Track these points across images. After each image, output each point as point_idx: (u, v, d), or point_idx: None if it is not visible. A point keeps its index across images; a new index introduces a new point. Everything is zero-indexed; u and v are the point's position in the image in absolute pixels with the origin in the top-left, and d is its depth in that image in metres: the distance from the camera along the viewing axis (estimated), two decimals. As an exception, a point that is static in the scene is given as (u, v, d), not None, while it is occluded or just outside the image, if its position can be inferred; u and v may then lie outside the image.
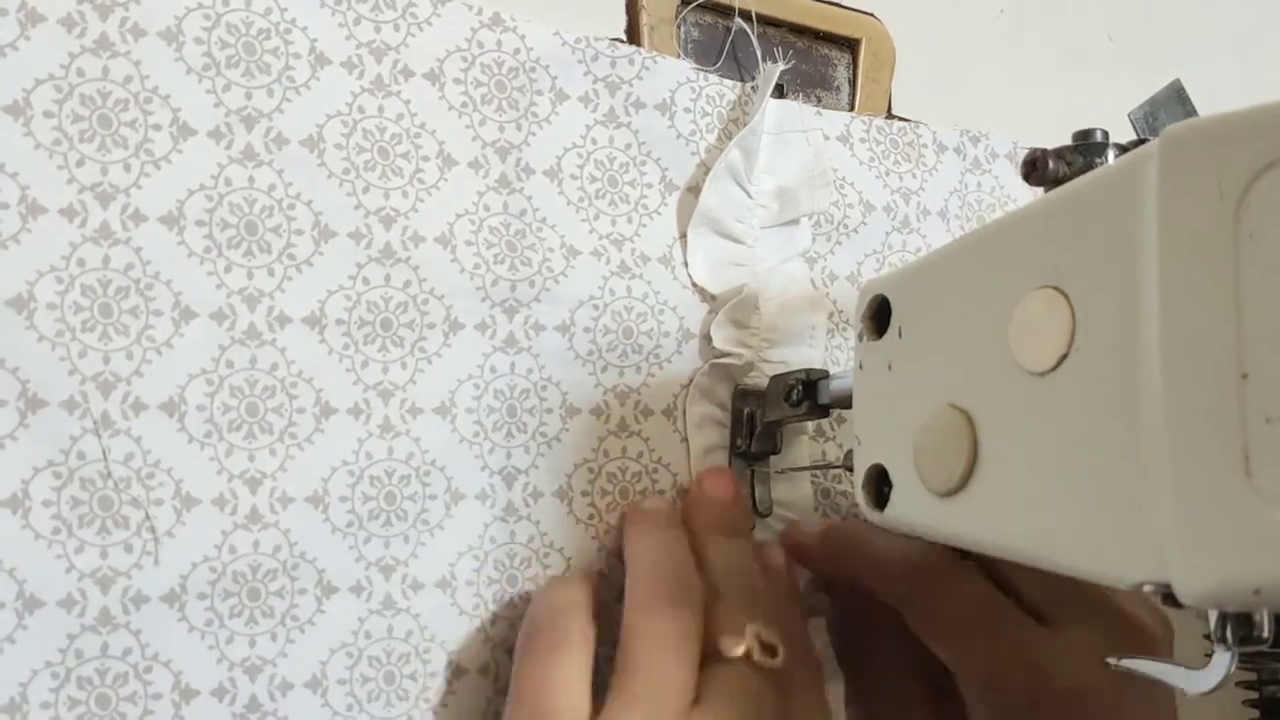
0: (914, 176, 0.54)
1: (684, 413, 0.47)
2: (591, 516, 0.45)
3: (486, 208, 0.44)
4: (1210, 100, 0.40)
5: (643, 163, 0.48)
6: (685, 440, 0.47)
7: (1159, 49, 0.60)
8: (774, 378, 0.46)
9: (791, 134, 0.49)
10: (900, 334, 0.38)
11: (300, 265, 0.41)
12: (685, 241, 0.48)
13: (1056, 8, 0.60)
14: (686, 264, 0.48)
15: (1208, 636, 0.29)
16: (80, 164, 0.39)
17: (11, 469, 0.37)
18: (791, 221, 0.49)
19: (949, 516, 0.34)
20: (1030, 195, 0.55)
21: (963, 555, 0.47)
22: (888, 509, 0.38)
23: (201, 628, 0.38)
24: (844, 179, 0.52)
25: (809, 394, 0.44)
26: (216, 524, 0.39)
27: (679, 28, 0.50)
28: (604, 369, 0.46)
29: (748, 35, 0.50)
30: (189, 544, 0.39)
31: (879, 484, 0.38)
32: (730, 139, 0.48)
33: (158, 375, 0.39)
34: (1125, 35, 0.60)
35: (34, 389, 0.37)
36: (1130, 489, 0.28)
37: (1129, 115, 0.40)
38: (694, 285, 0.48)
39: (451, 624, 0.42)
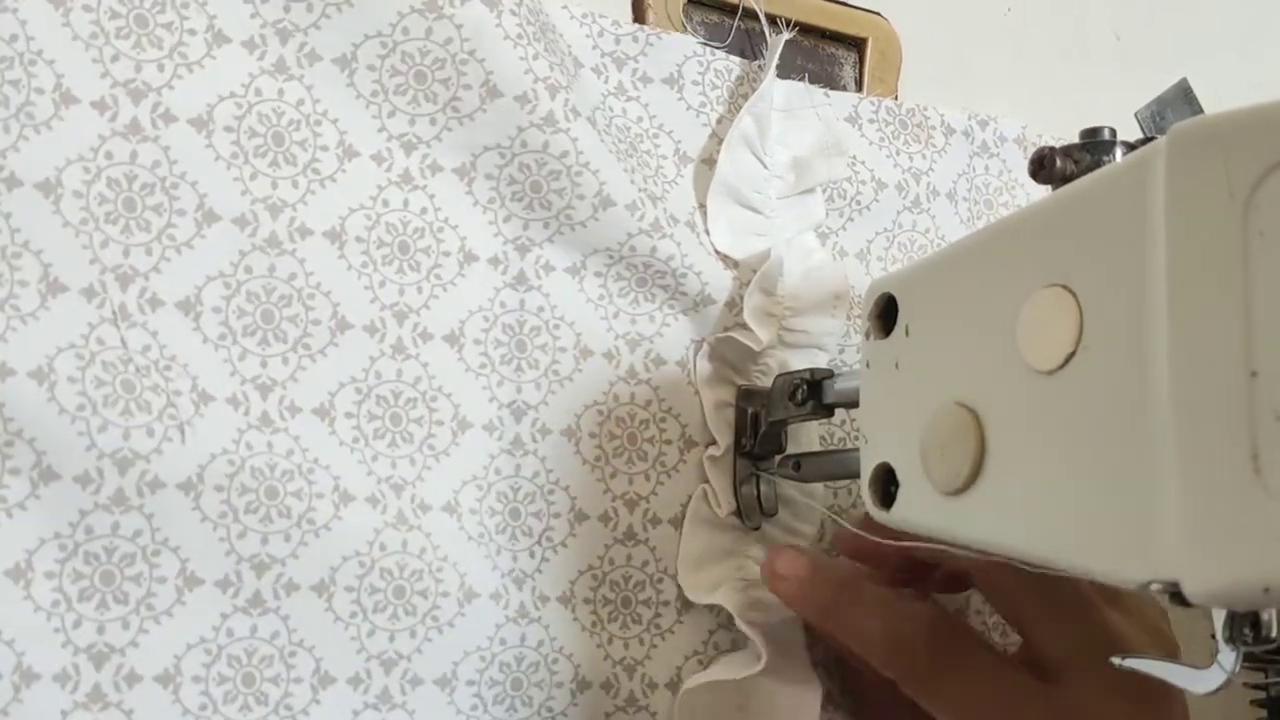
0: (924, 157, 0.54)
1: (694, 367, 0.48)
2: (599, 459, 0.46)
3: (524, 144, 0.44)
4: (1217, 99, 0.41)
5: (655, 135, 0.48)
6: (697, 393, 0.48)
7: (1166, 48, 0.61)
8: (778, 377, 0.46)
9: (801, 110, 0.50)
10: (907, 332, 0.38)
11: (324, 180, 0.42)
12: (704, 211, 0.49)
13: (1063, 7, 0.61)
14: (708, 232, 0.48)
15: (1214, 636, 0.29)
16: (115, 59, 0.39)
17: (35, 347, 0.37)
18: (807, 192, 0.50)
19: (956, 515, 0.34)
20: (1035, 184, 0.57)
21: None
22: (894, 508, 0.37)
23: (214, 519, 0.39)
24: (855, 157, 0.52)
25: (814, 393, 0.44)
26: (232, 422, 0.40)
27: (685, 26, 0.50)
28: (615, 315, 0.47)
29: (754, 26, 0.51)
30: (207, 437, 0.39)
31: (885, 483, 0.38)
32: (740, 110, 0.49)
33: (176, 274, 0.39)
34: (1132, 34, 0.61)
35: (55, 274, 0.38)
36: (1138, 487, 0.28)
37: (1136, 114, 0.41)
38: (717, 253, 0.48)
39: (460, 547, 0.43)
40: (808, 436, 0.49)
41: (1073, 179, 0.35)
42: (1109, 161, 0.36)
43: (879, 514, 0.38)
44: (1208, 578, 0.26)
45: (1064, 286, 0.31)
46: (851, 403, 0.42)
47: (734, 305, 0.48)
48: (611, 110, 0.47)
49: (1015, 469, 0.32)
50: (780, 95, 0.50)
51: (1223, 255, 0.26)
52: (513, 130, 0.43)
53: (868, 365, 0.39)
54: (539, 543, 0.44)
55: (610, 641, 0.45)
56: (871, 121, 0.53)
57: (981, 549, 0.34)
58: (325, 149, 0.42)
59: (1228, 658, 0.29)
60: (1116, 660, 0.33)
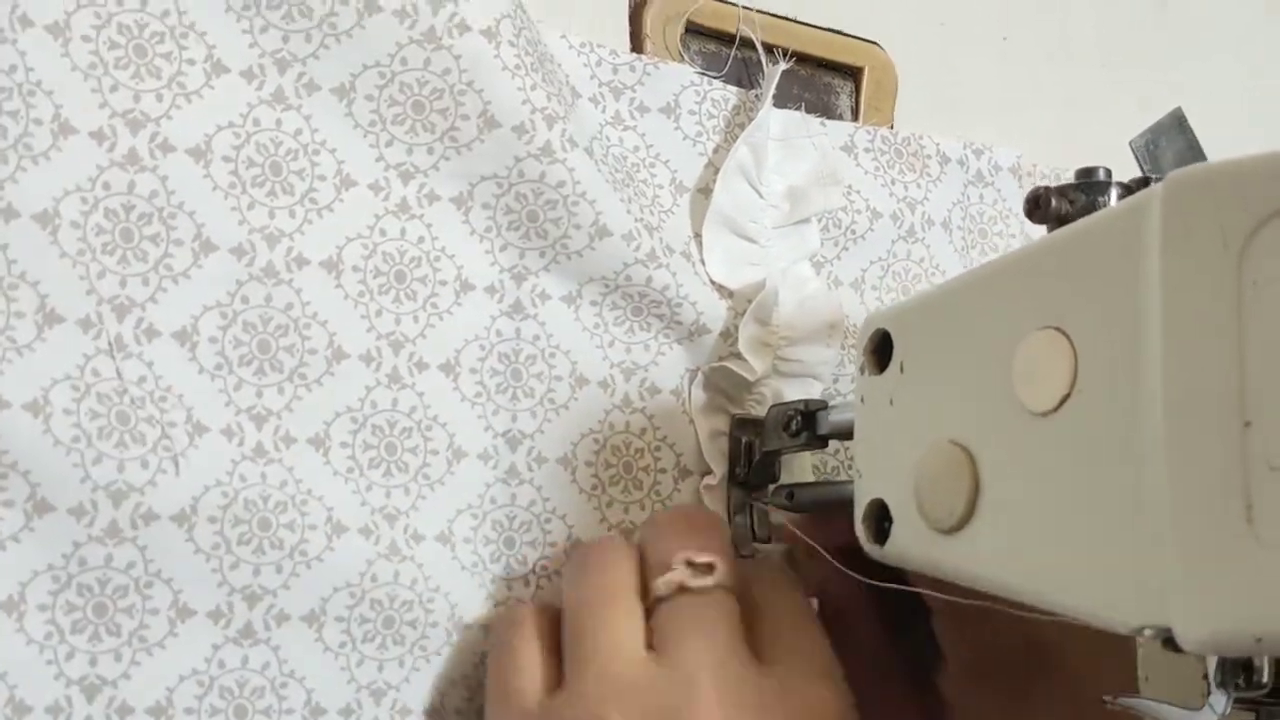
0: (919, 186, 0.54)
1: (689, 396, 0.48)
2: (595, 487, 0.46)
3: (521, 174, 0.44)
4: (1212, 129, 0.41)
5: (651, 164, 0.48)
6: (692, 422, 0.48)
7: (1159, 78, 0.62)
8: (773, 407, 0.46)
9: (797, 139, 0.50)
10: (902, 369, 0.38)
11: (321, 210, 0.42)
12: (699, 240, 0.49)
13: (1059, 37, 0.61)
14: (704, 262, 0.48)
15: (1206, 678, 0.30)
16: (114, 89, 0.39)
17: (31, 379, 0.37)
18: (803, 222, 0.50)
19: (949, 553, 0.34)
20: None
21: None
22: (888, 544, 0.37)
23: (207, 550, 0.39)
24: (850, 187, 0.53)
25: (808, 424, 0.44)
26: (226, 453, 0.40)
27: (682, 55, 0.50)
28: (610, 344, 0.47)
29: (751, 55, 0.51)
30: (200, 468, 0.39)
31: (879, 518, 0.38)
32: (737, 140, 0.49)
33: (173, 304, 0.40)
34: (1125, 63, 0.61)
35: (52, 305, 0.38)
36: (1131, 532, 0.28)
37: (1130, 144, 0.41)
38: (713, 283, 0.48)
39: (452, 577, 0.43)
40: (800, 466, 0.49)
41: (1068, 219, 0.35)
42: (1104, 202, 0.36)
43: (873, 549, 0.38)
44: (1200, 626, 0.26)
45: (1058, 329, 0.31)
46: (845, 434, 0.42)
47: (729, 335, 0.48)
48: (609, 140, 0.48)
49: (1009, 509, 0.33)
50: (777, 124, 0.50)
51: (1217, 304, 0.26)
52: (510, 160, 0.43)
53: (862, 400, 0.39)
54: (534, 571, 0.44)
55: None
56: (867, 150, 0.53)
57: (974, 586, 0.34)
58: (323, 178, 0.42)
59: (1219, 700, 0.29)
60: (1108, 698, 0.33)
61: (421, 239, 0.43)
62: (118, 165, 0.39)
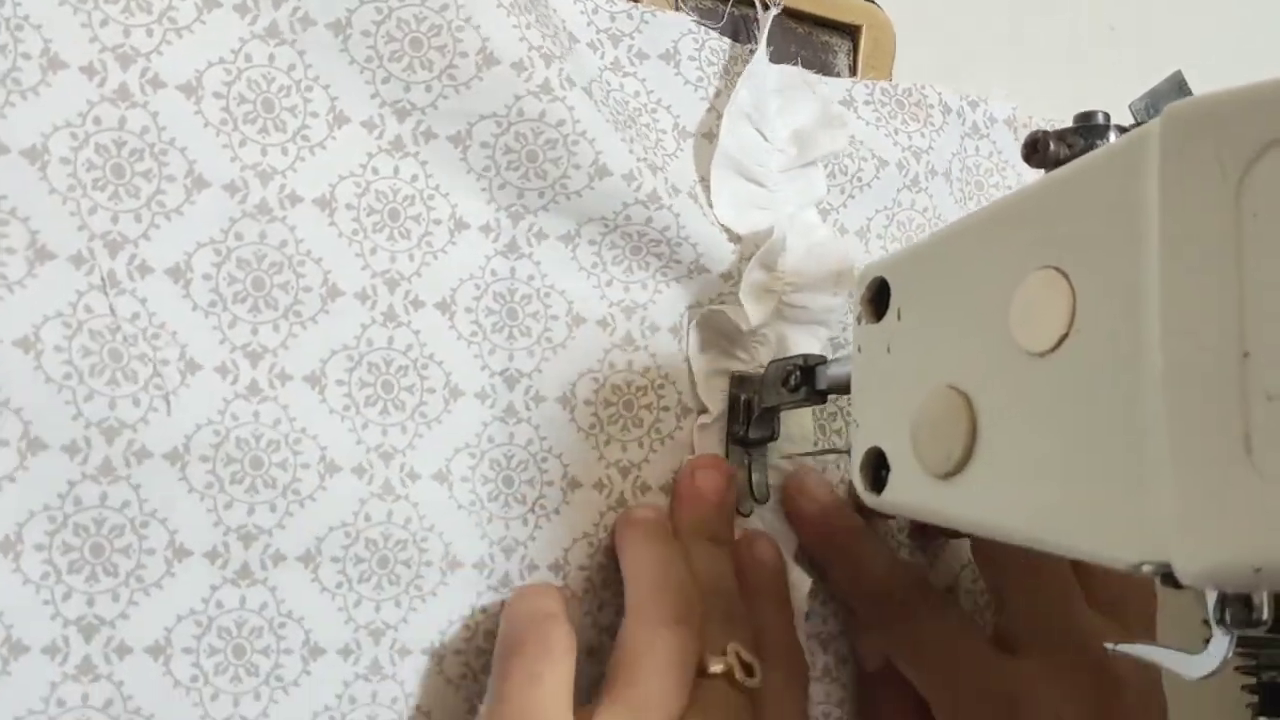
0: (923, 135, 0.54)
1: (686, 335, 0.48)
2: (594, 426, 0.46)
3: (520, 113, 0.43)
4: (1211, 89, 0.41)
5: (654, 110, 0.48)
6: (687, 360, 0.47)
7: (1161, 40, 0.61)
8: (771, 363, 0.46)
9: (797, 89, 0.50)
10: (899, 316, 0.38)
11: (314, 147, 0.42)
12: (705, 185, 0.48)
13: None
14: (711, 205, 0.48)
15: (1206, 622, 0.29)
16: (104, 24, 0.39)
17: (22, 315, 0.37)
18: (809, 166, 0.50)
19: (947, 498, 0.34)
20: (1026, 167, 0.57)
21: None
22: (885, 492, 0.37)
23: (201, 490, 0.39)
24: (854, 137, 0.52)
25: (807, 379, 0.44)
26: (219, 391, 0.39)
27: (680, 8, 0.50)
28: (609, 283, 0.46)
29: (748, 12, 0.50)
30: (192, 407, 0.39)
31: (876, 467, 0.38)
32: (737, 84, 0.49)
33: (166, 240, 0.39)
34: (1127, 26, 0.61)
35: (43, 241, 0.37)
36: (1130, 468, 0.28)
37: (1130, 106, 0.40)
38: (721, 225, 0.48)
39: (449, 516, 0.43)
40: (799, 421, 0.49)
41: (1066, 163, 0.34)
42: (1103, 145, 0.36)
43: (870, 498, 0.38)
44: (1199, 558, 0.26)
45: (1056, 269, 0.31)
46: (844, 388, 0.42)
47: (730, 278, 0.48)
48: (609, 84, 0.47)
49: (1007, 451, 0.33)
50: (774, 78, 0.49)
51: (1215, 236, 0.26)
52: (509, 98, 0.43)
53: (859, 349, 0.39)
54: (531, 510, 0.44)
55: (600, 608, 0.45)
56: (867, 103, 0.53)
57: (972, 531, 0.35)
58: (315, 115, 0.42)
59: (1220, 642, 0.29)
60: (1109, 646, 0.33)
61: (415, 177, 0.43)
62: (108, 101, 0.39)
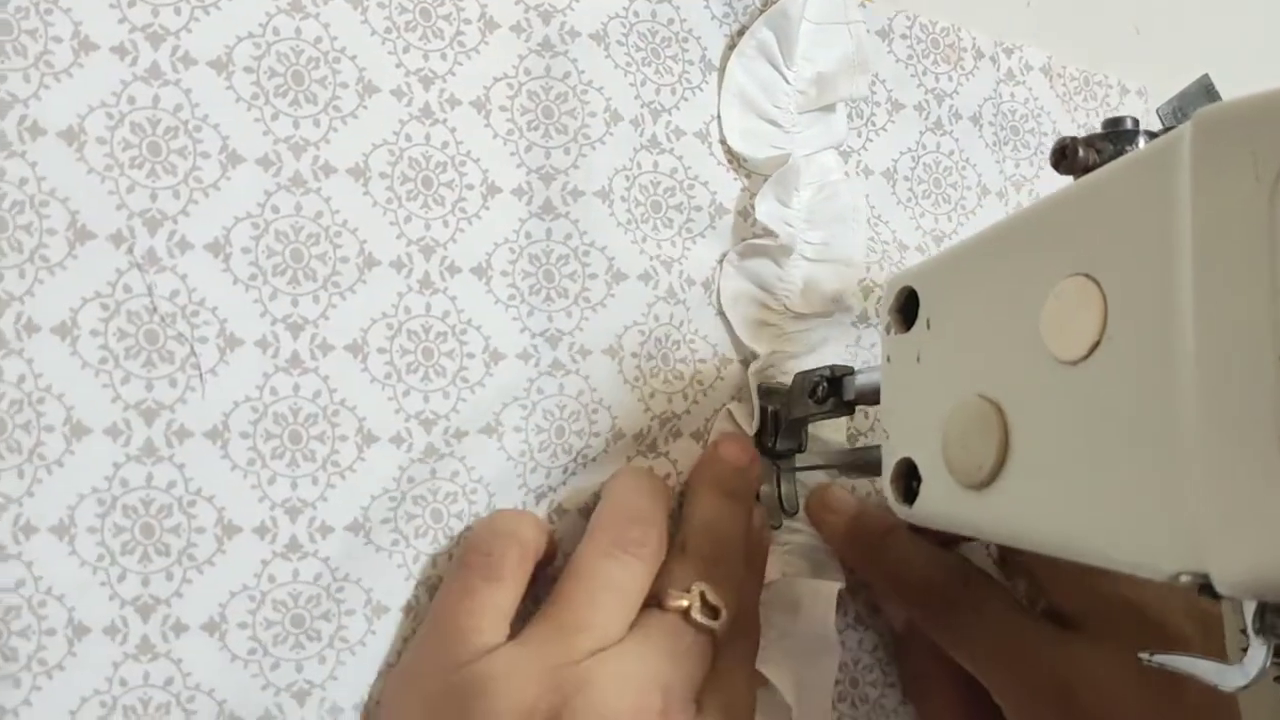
0: (950, 79, 0.53)
1: (719, 288, 0.47)
2: (638, 379, 0.46)
3: (528, 71, 0.45)
4: (1239, 94, 0.40)
5: (684, 39, 0.48)
6: (721, 313, 0.47)
7: (1187, 43, 0.60)
8: (798, 375, 0.45)
9: (833, 25, 0.49)
10: (928, 325, 0.37)
11: (345, 118, 0.42)
12: (720, 122, 0.48)
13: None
14: (724, 138, 0.48)
15: (1244, 631, 0.28)
16: (132, 4, 0.39)
17: (61, 298, 0.37)
18: (828, 109, 0.50)
19: (979, 510, 0.34)
20: (1058, 98, 0.56)
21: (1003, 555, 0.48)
22: (916, 503, 0.37)
23: (244, 466, 0.39)
24: (877, 75, 0.52)
25: (834, 390, 0.43)
26: (259, 365, 0.40)
27: None
28: (643, 239, 0.46)
29: None
30: (232, 383, 0.39)
31: (907, 478, 0.38)
32: (758, 20, 0.49)
33: (204, 216, 0.40)
34: (1153, 29, 0.59)
35: (83, 221, 0.38)
36: (1165, 477, 0.27)
37: (1157, 110, 0.39)
38: (729, 161, 0.48)
39: (497, 468, 0.43)
40: (835, 427, 0.49)
41: (1095, 169, 0.34)
42: (1132, 150, 0.35)
43: (901, 509, 0.38)
44: (1237, 568, 0.25)
45: (1088, 275, 0.30)
46: (872, 399, 0.41)
47: (747, 215, 0.48)
48: (636, 15, 0.47)
49: (1039, 461, 0.32)
50: (814, 7, 0.49)
51: (1249, 240, 0.26)
52: (514, 59, 0.44)
53: (888, 360, 0.39)
54: (575, 459, 0.44)
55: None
56: (904, 38, 0.53)
57: (1004, 541, 0.34)
58: (345, 86, 0.42)
59: (1258, 652, 0.28)
60: (1144, 656, 0.32)
61: (446, 144, 0.43)
62: (140, 80, 0.39)
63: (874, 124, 0.52)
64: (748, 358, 0.48)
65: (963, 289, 0.36)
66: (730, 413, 0.47)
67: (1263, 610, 0.28)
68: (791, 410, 0.45)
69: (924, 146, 0.53)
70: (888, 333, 0.39)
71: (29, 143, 0.37)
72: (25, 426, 0.37)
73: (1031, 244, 0.33)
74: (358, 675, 0.40)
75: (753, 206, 0.48)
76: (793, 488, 0.47)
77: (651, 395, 0.46)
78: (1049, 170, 0.52)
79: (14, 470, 0.37)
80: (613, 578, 0.40)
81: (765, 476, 0.47)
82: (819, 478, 0.48)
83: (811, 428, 0.47)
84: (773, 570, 0.46)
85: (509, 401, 0.43)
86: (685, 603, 0.40)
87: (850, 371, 0.43)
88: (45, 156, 0.38)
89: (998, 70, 0.55)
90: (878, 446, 0.40)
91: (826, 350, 0.49)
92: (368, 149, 0.42)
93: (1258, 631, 0.28)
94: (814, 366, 0.45)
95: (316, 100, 0.41)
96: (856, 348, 0.50)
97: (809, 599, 0.46)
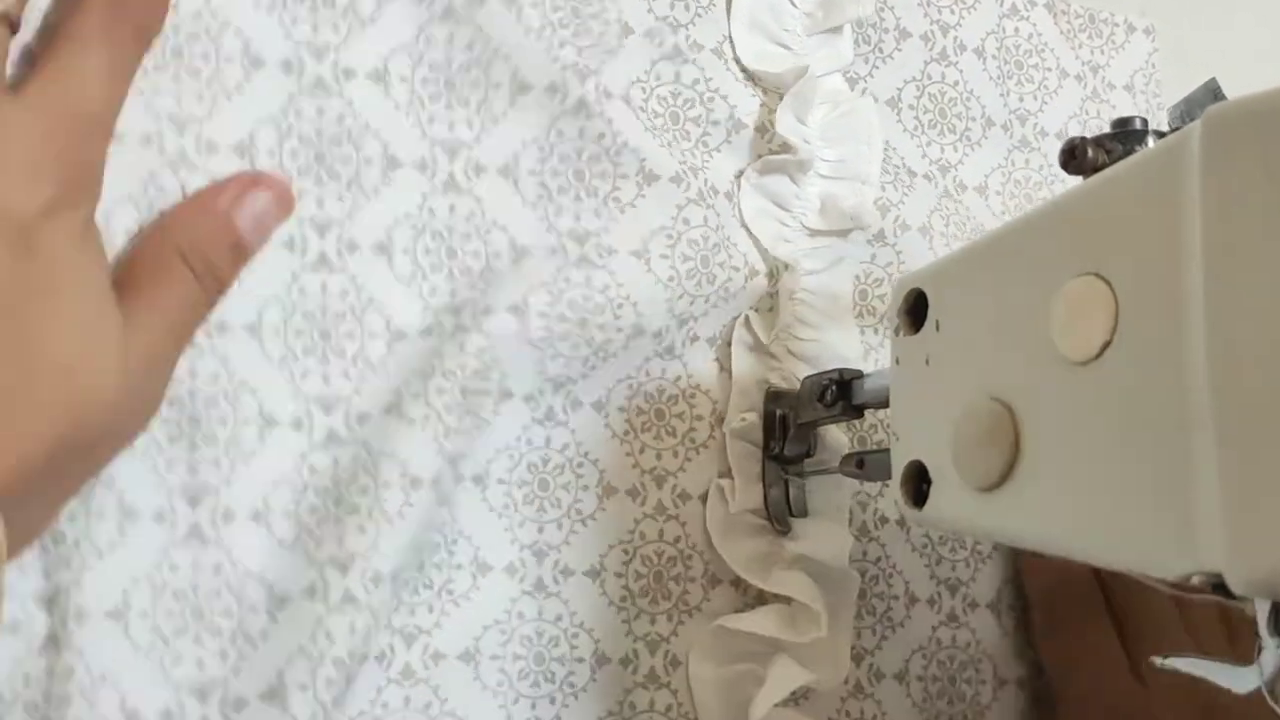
0: (953, 12, 0.54)
1: (739, 205, 0.48)
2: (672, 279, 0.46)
3: None
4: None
5: None
6: (745, 226, 0.48)
7: (1196, 47, 0.60)
8: (806, 379, 0.45)
9: None
10: (938, 327, 0.37)
11: (364, 21, 0.42)
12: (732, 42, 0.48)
13: (1095, 4, 0.59)
14: (738, 59, 0.48)
15: (1257, 633, 0.28)
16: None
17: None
18: (835, 31, 0.50)
19: (990, 512, 0.34)
20: (1062, 34, 0.56)
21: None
22: (927, 507, 0.37)
23: (277, 360, 0.40)
24: (885, 1, 0.52)
25: (843, 394, 0.43)
26: (287, 264, 0.41)
27: None
28: (669, 144, 0.47)
29: None
30: (261, 279, 0.40)
31: (918, 481, 0.37)
32: None
33: (226, 120, 0.40)
34: (1163, 32, 0.59)
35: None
36: (1177, 477, 0.27)
37: (1167, 112, 0.40)
38: (744, 78, 0.48)
39: (515, 345, 0.43)
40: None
41: (1103, 169, 0.34)
42: (1141, 151, 0.35)
43: (912, 513, 0.37)
44: (1250, 567, 0.25)
45: (1098, 275, 0.30)
46: (882, 402, 0.41)
47: (765, 130, 0.48)
48: None
49: (1050, 462, 0.32)
50: None
51: (1260, 238, 0.26)
52: None
53: (897, 362, 0.39)
54: (596, 352, 0.45)
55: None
56: (911, -38, 0.53)
57: (1016, 544, 0.34)
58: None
59: (1272, 654, 0.28)
60: (1157, 660, 0.32)
61: (471, 44, 0.43)
62: None
63: (881, 50, 0.52)
64: (774, 269, 0.48)
65: (972, 289, 0.36)
66: (748, 319, 0.48)
67: (1277, 610, 0.28)
68: (800, 414, 0.45)
69: (929, 76, 0.53)
70: (896, 335, 0.39)
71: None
72: None
73: (1041, 243, 0.33)
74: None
75: (770, 123, 0.48)
76: (801, 492, 0.47)
77: (680, 297, 0.46)
78: (1053, 105, 0.55)
79: None
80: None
81: (773, 480, 0.46)
82: (827, 481, 0.47)
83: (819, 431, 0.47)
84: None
85: (535, 286, 0.43)
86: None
87: (859, 375, 0.43)
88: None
89: (1001, 5, 0.55)
90: (887, 449, 0.39)
91: (842, 269, 0.49)
92: (387, 52, 0.43)
93: (1272, 632, 0.28)
94: (820, 370, 0.45)
95: (334, 4, 0.42)
96: (864, 347, 0.50)
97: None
